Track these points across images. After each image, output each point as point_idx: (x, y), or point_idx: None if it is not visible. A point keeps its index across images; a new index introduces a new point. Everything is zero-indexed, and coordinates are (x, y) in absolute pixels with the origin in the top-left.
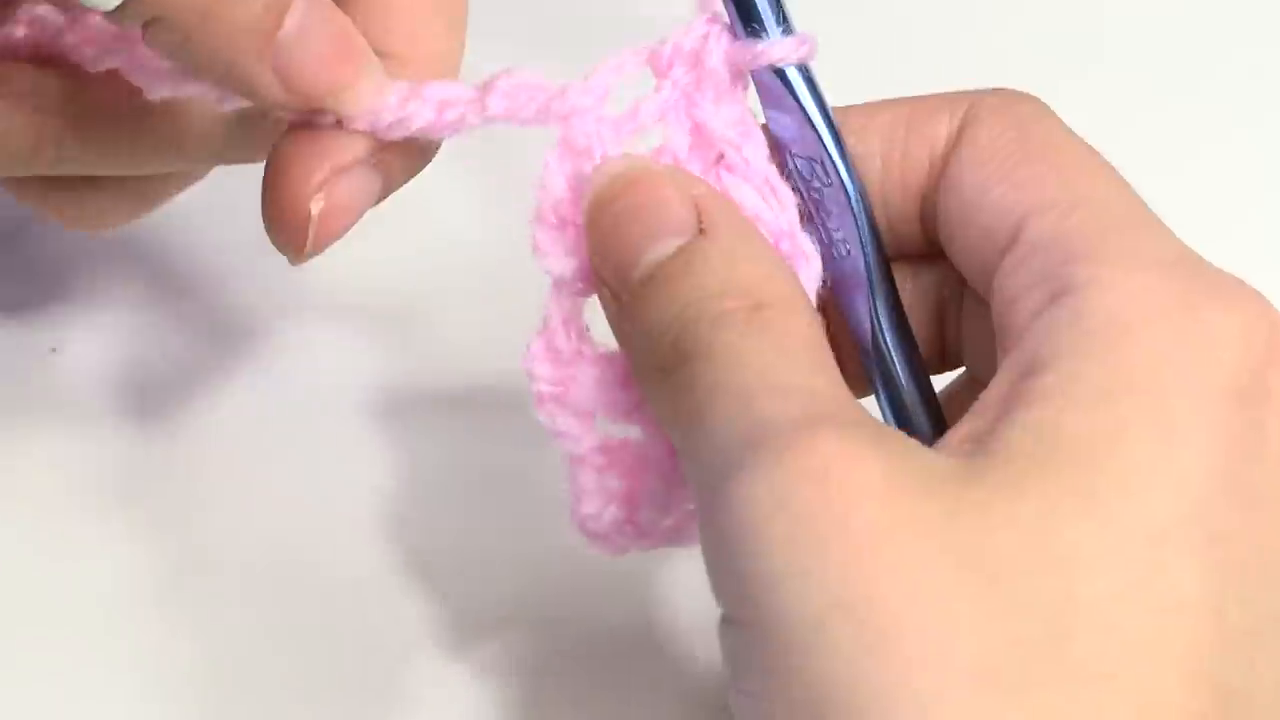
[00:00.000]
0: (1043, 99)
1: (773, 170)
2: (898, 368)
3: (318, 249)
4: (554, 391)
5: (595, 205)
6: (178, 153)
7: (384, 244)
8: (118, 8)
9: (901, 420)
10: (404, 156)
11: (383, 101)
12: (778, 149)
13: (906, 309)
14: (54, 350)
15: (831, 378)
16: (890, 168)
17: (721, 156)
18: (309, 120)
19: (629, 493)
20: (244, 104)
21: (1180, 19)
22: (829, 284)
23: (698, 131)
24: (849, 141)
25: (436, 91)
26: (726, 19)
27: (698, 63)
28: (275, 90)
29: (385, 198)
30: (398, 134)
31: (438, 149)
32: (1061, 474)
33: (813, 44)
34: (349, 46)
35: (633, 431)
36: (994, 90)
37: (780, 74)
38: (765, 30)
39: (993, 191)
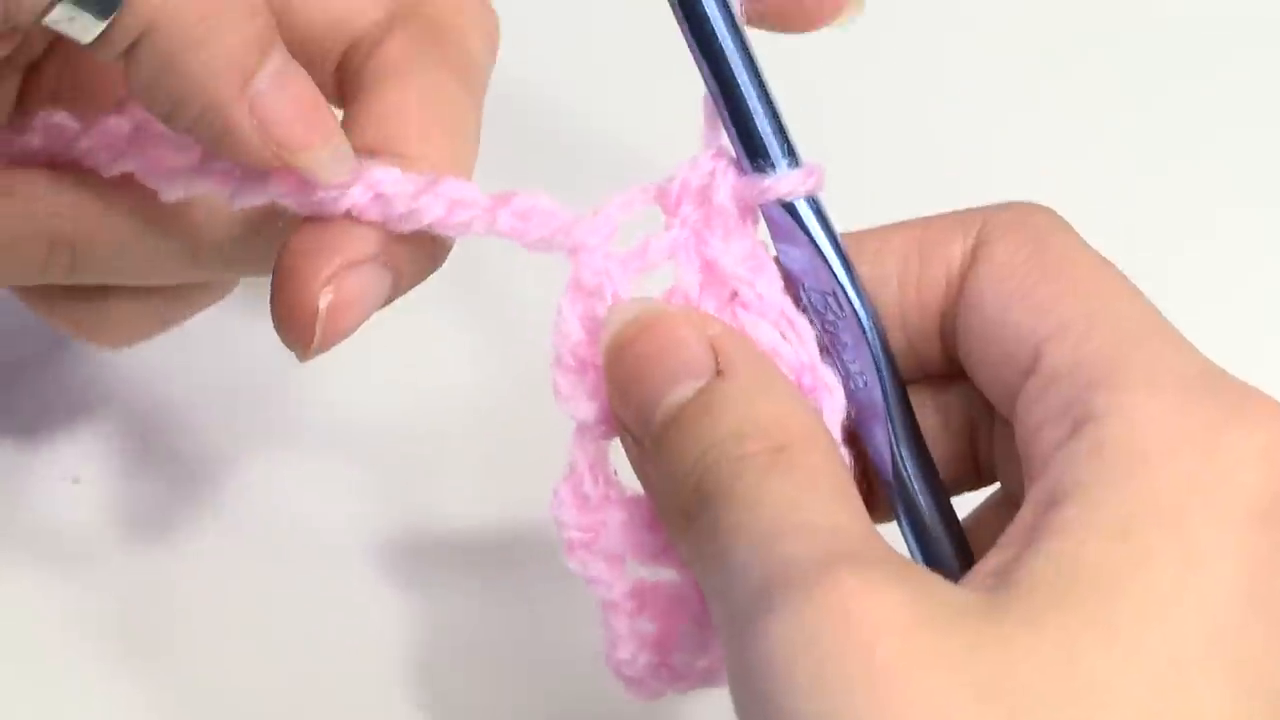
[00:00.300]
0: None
1: (788, 303)
2: (919, 496)
3: (325, 345)
4: (583, 538)
5: (612, 350)
6: (191, 259)
7: (394, 386)
8: (103, 34)
9: (925, 546)
10: (414, 256)
11: (346, 174)
12: (791, 282)
13: (936, 428)
14: (76, 481)
15: (854, 513)
16: (907, 289)
17: (735, 293)
18: (319, 216)
19: (662, 636)
20: (252, 201)
21: (1185, 108)
22: (851, 415)
23: (709, 269)
24: (864, 267)
25: (451, 189)
26: (733, 153)
27: (706, 199)
28: (249, 133)
29: (394, 298)
30: (408, 226)
31: (447, 253)
32: (1082, 604)
33: (820, 175)
34: (321, 106)
35: (664, 573)
36: (1007, 205)
37: (789, 207)
38: (772, 163)
39: (1011, 313)
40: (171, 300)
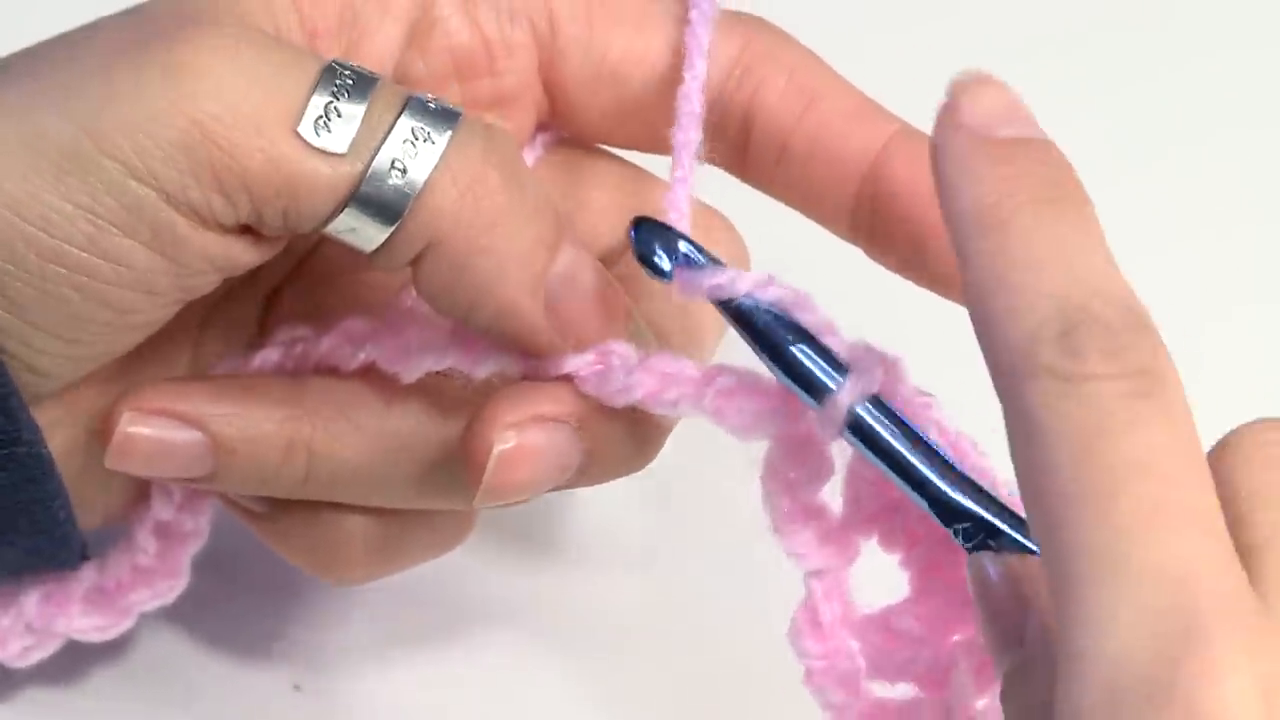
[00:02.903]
0: None
1: None
2: None
3: (492, 492)
4: (821, 665)
5: None
6: (432, 475)
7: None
8: (387, 242)
9: None
10: (615, 438)
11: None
12: None
13: None
14: (297, 688)
15: None
16: None
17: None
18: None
19: None
20: (499, 369)
21: None
22: None
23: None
24: None
25: (663, 364)
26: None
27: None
28: (547, 332)
29: (588, 480)
30: (620, 400)
31: (652, 452)
32: None
33: None
34: (612, 295)
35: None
36: None
37: None
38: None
39: None
40: (409, 530)
